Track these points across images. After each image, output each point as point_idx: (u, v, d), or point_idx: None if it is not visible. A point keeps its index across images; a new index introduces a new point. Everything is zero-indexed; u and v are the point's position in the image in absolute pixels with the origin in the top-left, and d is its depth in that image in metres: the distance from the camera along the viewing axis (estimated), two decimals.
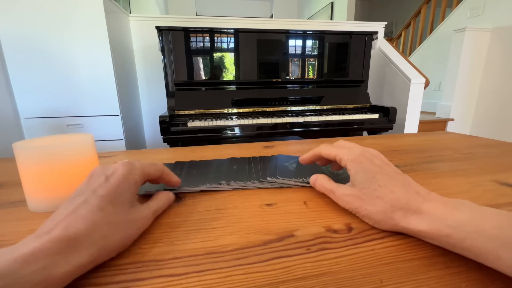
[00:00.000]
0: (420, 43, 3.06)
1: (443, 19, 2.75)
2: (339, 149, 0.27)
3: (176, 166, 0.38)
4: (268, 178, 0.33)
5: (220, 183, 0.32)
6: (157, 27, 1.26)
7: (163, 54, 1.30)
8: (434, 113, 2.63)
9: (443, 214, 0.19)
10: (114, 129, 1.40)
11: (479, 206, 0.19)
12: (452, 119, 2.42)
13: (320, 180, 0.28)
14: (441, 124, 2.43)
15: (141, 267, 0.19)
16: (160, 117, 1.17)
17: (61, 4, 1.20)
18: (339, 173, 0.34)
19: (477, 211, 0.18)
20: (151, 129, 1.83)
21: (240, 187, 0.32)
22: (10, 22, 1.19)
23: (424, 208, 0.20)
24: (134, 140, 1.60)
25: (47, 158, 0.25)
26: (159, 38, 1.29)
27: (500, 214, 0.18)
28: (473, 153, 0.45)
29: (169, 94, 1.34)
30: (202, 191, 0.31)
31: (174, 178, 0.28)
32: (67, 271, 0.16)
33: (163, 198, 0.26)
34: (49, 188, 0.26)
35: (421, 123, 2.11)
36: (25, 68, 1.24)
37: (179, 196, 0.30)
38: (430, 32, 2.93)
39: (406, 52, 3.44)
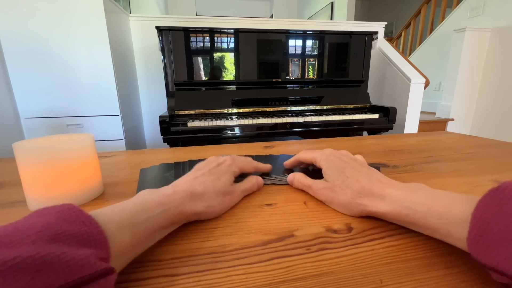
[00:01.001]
0: (420, 43, 3.06)
1: (443, 19, 2.75)
2: (314, 152, 0.32)
3: (178, 165, 0.38)
4: (273, 176, 0.34)
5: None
6: (157, 27, 1.26)
7: (163, 54, 1.30)
8: (434, 113, 2.63)
9: (402, 197, 0.22)
10: (114, 129, 1.40)
11: (433, 189, 0.21)
12: (452, 119, 2.42)
13: (298, 178, 0.31)
14: (441, 124, 2.43)
15: (141, 267, 0.19)
16: (160, 117, 1.17)
17: (61, 4, 1.20)
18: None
19: (430, 194, 0.21)
20: (151, 129, 1.83)
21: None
22: (10, 22, 1.19)
23: (386, 192, 0.23)
24: (134, 140, 1.60)
25: (47, 158, 0.25)
26: (159, 38, 1.29)
27: (448, 195, 0.20)
28: (473, 153, 0.45)
29: (169, 94, 1.34)
30: None
31: (264, 167, 0.35)
32: (190, 211, 0.23)
33: (252, 180, 0.31)
34: (49, 188, 0.26)
35: (421, 123, 2.11)
36: (25, 68, 1.24)
37: None
38: (430, 32, 2.93)
39: (406, 52, 3.44)
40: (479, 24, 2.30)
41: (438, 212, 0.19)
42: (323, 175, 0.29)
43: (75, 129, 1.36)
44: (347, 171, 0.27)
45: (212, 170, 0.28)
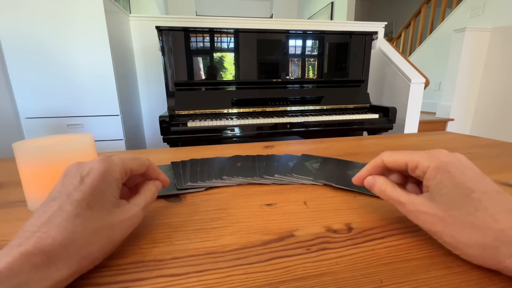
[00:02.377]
0: (420, 43, 3.06)
1: (443, 19, 2.75)
2: (412, 153, 0.21)
3: (180, 165, 0.39)
4: (276, 175, 0.34)
5: (222, 178, 0.33)
6: (157, 27, 1.26)
7: (163, 54, 1.30)
8: (434, 113, 2.64)
9: None
10: (114, 129, 1.40)
11: None
12: (452, 119, 2.42)
13: (381, 183, 0.22)
14: (441, 124, 2.43)
15: (141, 267, 0.19)
16: (160, 117, 1.17)
17: (61, 4, 1.20)
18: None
19: None
20: (151, 129, 1.83)
21: (245, 182, 0.33)
22: (10, 22, 1.19)
23: None
24: (134, 140, 1.60)
25: (47, 158, 0.25)
26: (159, 38, 1.29)
27: None
28: (473, 153, 0.45)
29: (169, 94, 1.34)
30: (206, 189, 0.32)
31: (162, 175, 0.25)
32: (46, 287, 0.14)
33: (151, 189, 0.23)
34: (49, 188, 0.26)
35: (421, 123, 2.11)
36: (25, 68, 1.24)
37: (179, 196, 0.30)
38: (430, 32, 2.93)
39: (406, 52, 3.44)
40: (479, 24, 2.30)
41: None
42: (429, 188, 0.19)
43: (75, 129, 1.36)
44: (476, 197, 0.17)
45: (73, 195, 0.17)
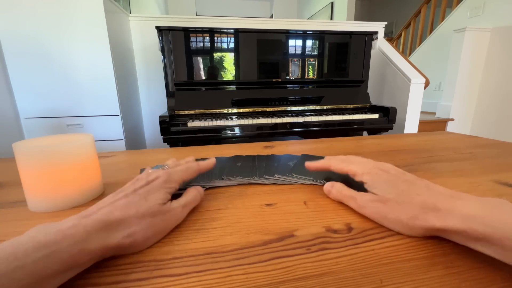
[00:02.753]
0: (420, 43, 3.06)
1: (443, 19, 2.75)
2: (351, 164, 0.28)
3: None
4: (276, 175, 0.34)
5: (222, 178, 0.33)
6: (157, 27, 1.26)
7: (163, 54, 1.30)
8: (434, 113, 2.64)
9: (480, 213, 0.18)
10: (114, 129, 1.40)
11: (502, 202, 0.19)
12: (452, 119, 2.42)
13: (338, 187, 0.28)
14: (441, 124, 2.43)
15: (141, 267, 0.19)
16: (160, 117, 1.17)
17: (61, 4, 1.20)
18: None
19: (506, 208, 0.18)
20: (151, 129, 1.83)
21: (245, 182, 0.33)
22: (10, 23, 1.19)
23: (456, 207, 0.19)
24: (134, 140, 1.60)
25: (47, 158, 0.25)
26: (159, 38, 1.29)
27: None
28: (473, 153, 0.45)
29: (169, 94, 1.34)
30: (206, 189, 0.32)
31: (207, 165, 0.31)
32: (99, 246, 0.18)
33: (193, 192, 0.27)
34: (49, 188, 0.26)
35: (421, 123, 2.11)
36: (25, 68, 1.24)
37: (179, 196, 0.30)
38: (430, 32, 2.93)
39: (406, 52, 3.44)
40: (479, 24, 2.30)
41: None
42: (368, 189, 0.25)
43: (75, 129, 1.36)
44: (400, 184, 0.23)
45: (138, 191, 0.23)
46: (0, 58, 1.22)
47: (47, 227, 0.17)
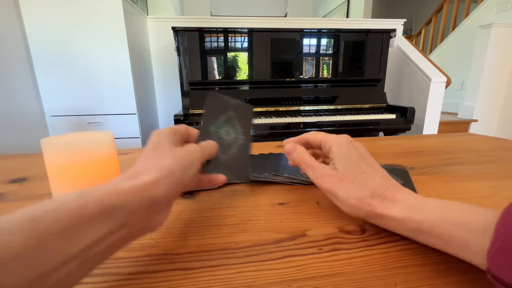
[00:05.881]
0: (441, 41, 2.93)
1: (467, 15, 2.62)
2: (326, 134, 0.28)
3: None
4: (286, 175, 0.34)
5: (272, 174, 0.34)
6: (173, 28, 1.29)
7: (179, 54, 1.33)
8: (456, 114, 2.51)
9: (417, 203, 0.20)
10: (131, 127, 1.45)
11: (445, 200, 0.20)
12: (476, 120, 2.30)
13: (300, 151, 0.26)
14: (464, 125, 2.32)
15: (157, 260, 0.20)
16: (175, 115, 1.20)
17: (84, 7, 1.26)
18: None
19: (447, 203, 0.20)
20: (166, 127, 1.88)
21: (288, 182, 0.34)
22: (37, 28, 1.26)
23: (400, 197, 0.21)
24: None
25: (72, 153, 0.27)
26: (174, 39, 1.32)
27: (467, 205, 0.18)
28: (498, 156, 0.43)
29: (184, 94, 1.37)
30: (219, 186, 0.32)
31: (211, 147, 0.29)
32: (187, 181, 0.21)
33: (210, 141, 0.27)
34: (73, 181, 0.28)
35: (442, 124, 2.02)
36: (51, 69, 1.31)
37: (192, 193, 0.31)
38: (453, 29, 2.80)
39: (426, 50, 3.30)
40: (507, 19, 2.17)
41: (456, 220, 0.17)
42: (332, 161, 0.25)
43: (95, 127, 1.42)
44: (363, 165, 0.23)
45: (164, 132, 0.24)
46: (28, 61, 1.30)
47: (121, 182, 0.18)
